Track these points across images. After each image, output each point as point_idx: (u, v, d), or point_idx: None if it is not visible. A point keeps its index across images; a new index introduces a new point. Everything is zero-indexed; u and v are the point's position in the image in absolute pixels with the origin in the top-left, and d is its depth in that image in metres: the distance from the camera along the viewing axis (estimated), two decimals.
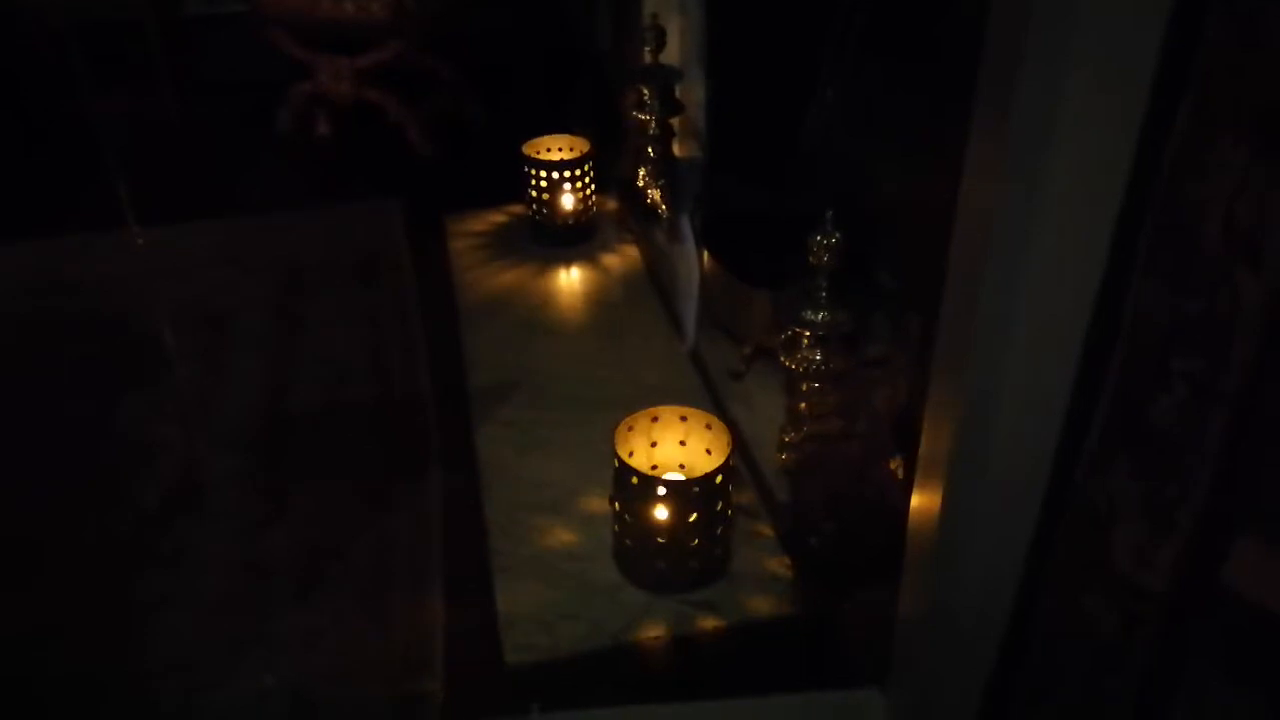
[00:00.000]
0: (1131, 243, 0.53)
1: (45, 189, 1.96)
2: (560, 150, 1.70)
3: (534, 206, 1.67)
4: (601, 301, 1.57)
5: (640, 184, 1.67)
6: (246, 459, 1.31)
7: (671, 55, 1.61)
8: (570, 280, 1.63)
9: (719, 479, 1.00)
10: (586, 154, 1.66)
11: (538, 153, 1.68)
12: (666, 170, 1.64)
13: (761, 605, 1.04)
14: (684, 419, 1.08)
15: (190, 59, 2.32)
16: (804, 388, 1.08)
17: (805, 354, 1.05)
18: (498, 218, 1.79)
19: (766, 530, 1.13)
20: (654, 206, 1.64)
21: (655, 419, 1.08)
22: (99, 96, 2.15)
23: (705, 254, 1.42)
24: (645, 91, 1.60)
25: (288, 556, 1.16)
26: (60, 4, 2.16)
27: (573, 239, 1.69)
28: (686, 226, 1.57)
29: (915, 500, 0.77)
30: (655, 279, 1.60)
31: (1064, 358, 0.60)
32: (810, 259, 1.02)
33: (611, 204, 1.77)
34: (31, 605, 1.12)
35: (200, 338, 1.56)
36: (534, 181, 1.65)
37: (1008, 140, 0.55)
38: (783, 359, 1.08)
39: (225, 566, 1.15)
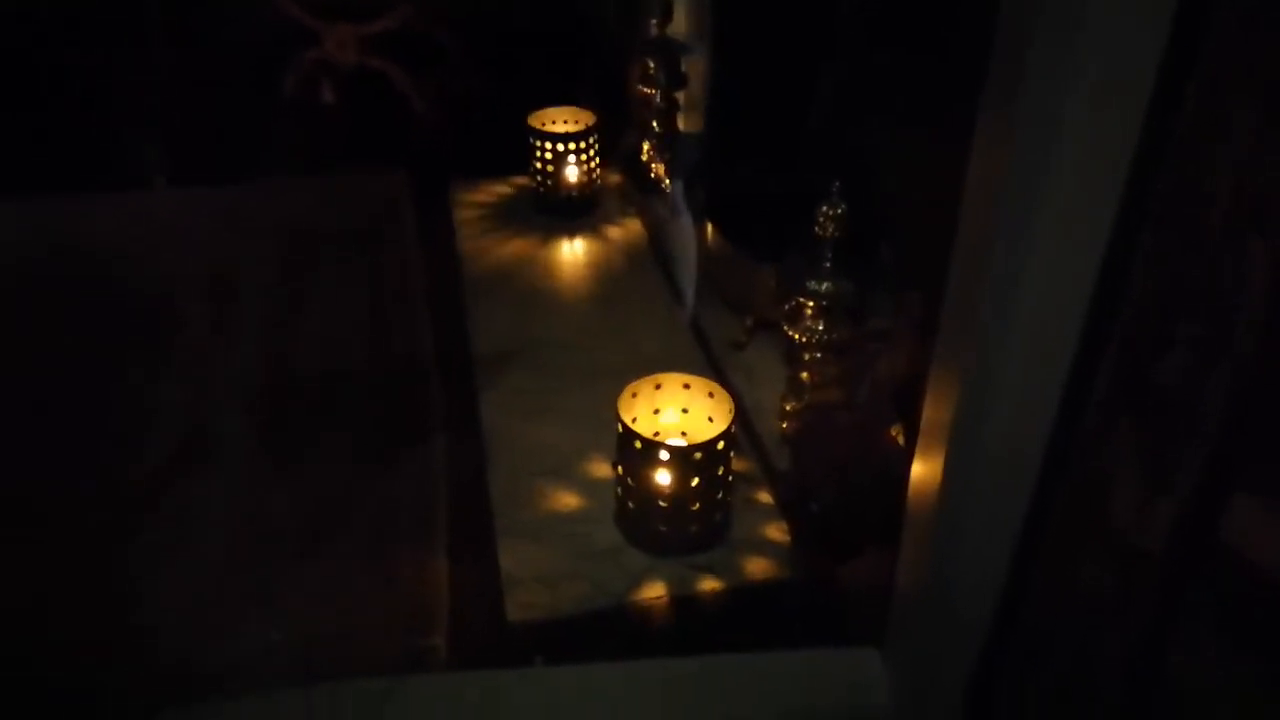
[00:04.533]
0: (1140, 208, 0.54)
1: (46, 151, 1.95)
2: (565, 122, 1.70)
3: (538, 178, 1.68)
4: (604, 273, 1.58)
5: (645, 157, 1.68)
6: (250, 422, 1.32)
7: (678, 28, 1.62)
8: (574, 251, 1.64)
9: (721, 445, 1.02)
10: (591, 126, 1.67)
11: (543, 124, 1.68)
12: (671, 143, 1.64)
13: (761, 569, 1.06)
14: (687, 387, 1.10)
15: (194, 23, 2.31)
16: (806, 358, 1.10)
17: (809, 324, 1.07)
18: (502, 188, 1.79)
19: (766, 498, 1.14)
20: (658, 180, 1.65)
21: (658, 386, 1.09)
22: (101, 61, 2.14)
23: (709, 227, 1.43)
24: (651, 64, 1.61)
25: (292, 518, 1.17)
26: None
27: (577, 211, 1.69)
28: (690, 200, 1.58)
29: (916, 467, 0.79)
30: (658, 252, 1.60)
31: (1069, 323, 0.62)
32: (816, 230, 1.03)
33: (616, 177, 1.78)
34: (33, 563, 1.12)
35: (202, 302, 1.56)
36: (539, 153, 1.65)
37: (1019, 105, 0.56)
38: (786, 329, 1.09)
39: (228, 527, 1.16)
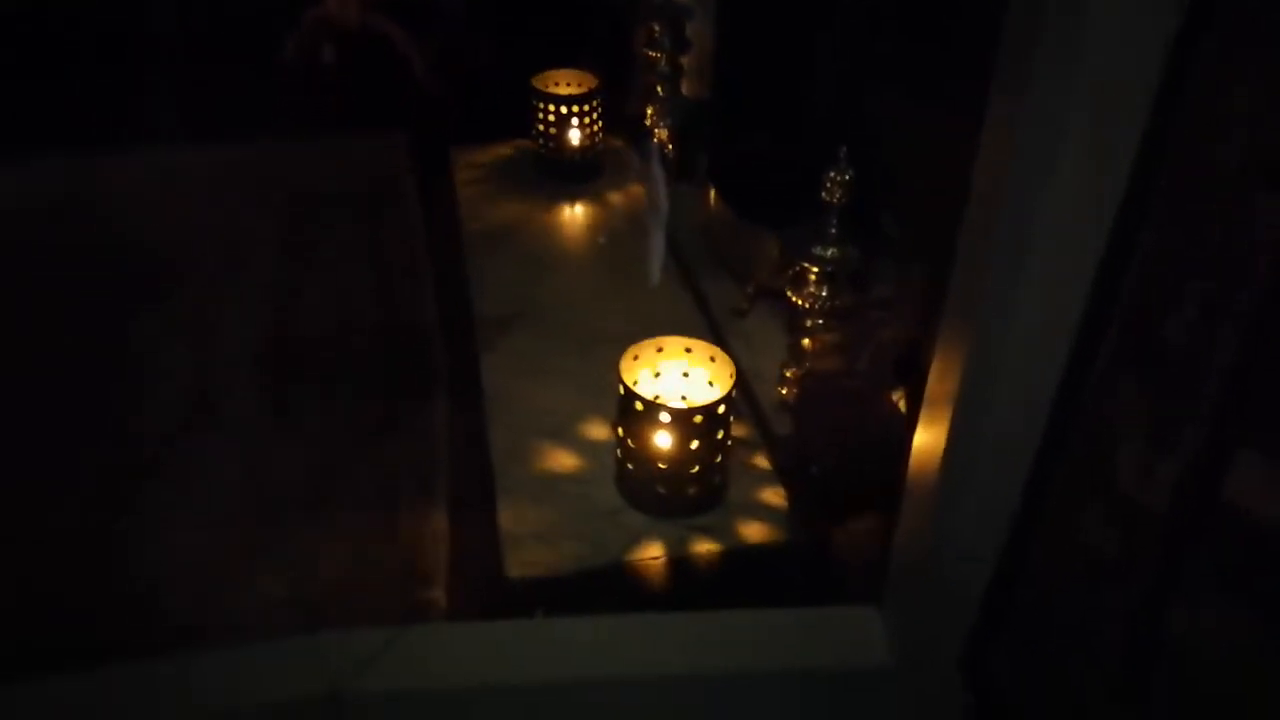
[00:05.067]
0: (1152, 167, 0.54)
1: (48, 111, 1.94)
2: (569, 85, 1.69)
3: (541, 141, 1.67)
4: (606, 237, 1.58)
5: (648, 122, 1.67)
6: (253, 382, 1.32)
7: None
8: (575, 216, 1.63)
9: (721, 409, 1.02)
10: (595, 90, 1.66)
11: (546, 87, 1.67)
12: (675, 108, 1.64)
13: (758, 532, 1.07)
14: (688, 350, 1.10)
15: None
16: (808, 324, 1.10)
17: (812, 290, 1.07)
18: (504, 151, 1.78)
19: (764, 462, 1.15)
20: (661, 144, 1.64)
21: (660, 349, 1.10)
22: (101, 21, 2.12)
23: (712, 194, 1.43)
24: (656, 28, 1.60)
25: (295, 477, 1.17)
26: None
27: (579, 175, 1.69)
28: (694, 165, 1.57)
29: (920, 430, 0.79)
30: (659, 217, 1.60)
31: (1078, 283, 0.62)
32: (823, 195, 1.03)
33: (619, 141, 1.77)
34: (37, 524, 1.12)
35: (205, 263, 1.55)
36: (541, 116, 1.64)
37: (1032, 64, 0.56)
38: (790, 294, 1.09)
39: (233, 486, 1.16)
